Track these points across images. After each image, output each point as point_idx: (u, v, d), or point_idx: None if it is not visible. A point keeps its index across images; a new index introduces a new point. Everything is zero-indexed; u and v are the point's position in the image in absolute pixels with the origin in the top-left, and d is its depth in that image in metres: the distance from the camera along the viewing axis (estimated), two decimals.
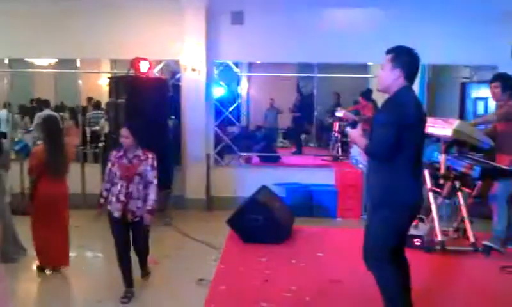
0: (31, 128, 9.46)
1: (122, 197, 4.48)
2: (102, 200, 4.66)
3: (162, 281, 5.12)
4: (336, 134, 9.83)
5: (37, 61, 9.51)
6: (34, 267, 5.37)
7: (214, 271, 5.35)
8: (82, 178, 7.97)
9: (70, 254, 5.39)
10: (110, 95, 7.79)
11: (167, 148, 7.52)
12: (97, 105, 10.27)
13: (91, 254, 6.16)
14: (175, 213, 7.64)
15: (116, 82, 7.60)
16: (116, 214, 4.51)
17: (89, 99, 10.57)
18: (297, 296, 4.70)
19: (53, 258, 5.32)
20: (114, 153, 4.62)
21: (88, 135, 9.41)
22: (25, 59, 9.19)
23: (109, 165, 4.59)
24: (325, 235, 6.85)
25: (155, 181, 4.54)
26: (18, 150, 7.88)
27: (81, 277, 5.34)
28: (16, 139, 8.57)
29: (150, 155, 4.56)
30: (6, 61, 8.82)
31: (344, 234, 6.90)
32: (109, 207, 4.57)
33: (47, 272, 5.32)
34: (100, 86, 10.89)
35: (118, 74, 8.41)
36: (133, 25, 8.14)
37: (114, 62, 9.71)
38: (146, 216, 4.52)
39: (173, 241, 6.49)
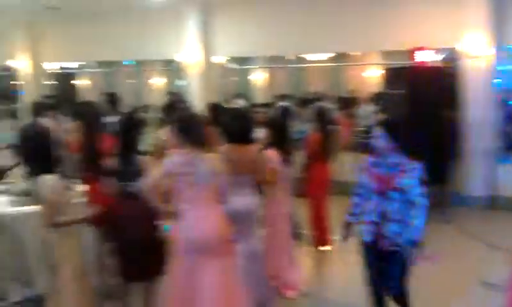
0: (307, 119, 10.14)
1: (375, 218, 3.51)
2: (349, 219, 3.73)
3: (443, 281, 4.88)
4: None
5: (312, 56, 10.17)
6: (307, 245, 5.90)
7: (502, 275, 4.77)
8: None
9: (335, 238, 5.81)
10: (385, 87, 7.75)
11: (444, 141, 7.11)
12: (369, 98, 10.35)
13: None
14: (454, 210, 7.14)
15: (392, 74, 7.53)
16: (368, 238, 3.55)
17: (352, 91, 10.71)
18: None
19: (319, 237, 5.84)
20: (369, 158, 3.63)
21: (362, 126, 9.54)
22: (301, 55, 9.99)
23: (361, 173, 3.65)
24: None
25: (421, 201, 3.40)
26: (298, 139, 8.53)
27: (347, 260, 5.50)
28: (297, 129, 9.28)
29: (417, 166, 3.44)
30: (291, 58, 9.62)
31: None
32: (360, 226, 3.67)
33: (316, 248, 5.83)
34: (365, 77, 11.03)
35: (392, 65, 8.30)
36: (409, 15, 7.87)
37: (384, 54, 9.66)
38: (406, 248, 3.39)
39: (453, 239, 6.14)
